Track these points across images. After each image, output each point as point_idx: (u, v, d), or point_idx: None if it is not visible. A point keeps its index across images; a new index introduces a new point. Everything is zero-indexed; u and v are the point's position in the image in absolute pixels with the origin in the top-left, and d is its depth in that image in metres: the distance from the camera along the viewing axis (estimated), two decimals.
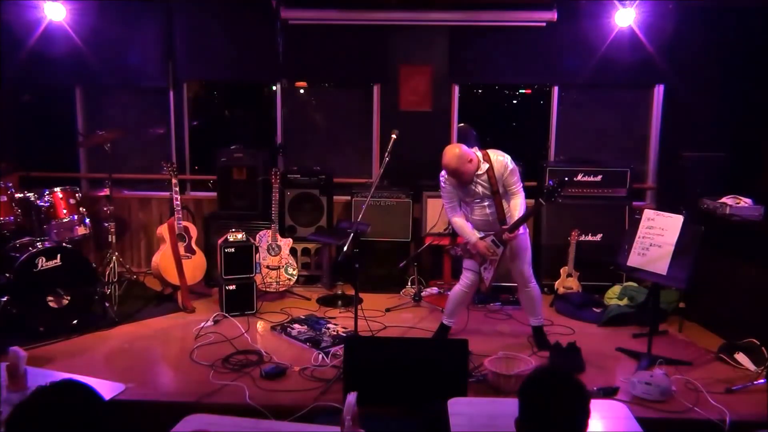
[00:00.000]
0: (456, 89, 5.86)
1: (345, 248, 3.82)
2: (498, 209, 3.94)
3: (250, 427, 2.44)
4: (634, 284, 4.94)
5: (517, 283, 4.19)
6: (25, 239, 4.45)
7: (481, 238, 3.97)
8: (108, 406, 1.55)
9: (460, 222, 4.05)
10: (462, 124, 5.87)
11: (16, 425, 1.43)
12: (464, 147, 3.85)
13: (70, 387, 1.52)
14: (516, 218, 3.90)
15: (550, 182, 3.85)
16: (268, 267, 5.14)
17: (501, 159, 3.91)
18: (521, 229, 3.98)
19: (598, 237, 5.39)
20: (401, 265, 5.01)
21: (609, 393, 3.46)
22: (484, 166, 3.89)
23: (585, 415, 1.70)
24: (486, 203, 3.96)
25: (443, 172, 3.96)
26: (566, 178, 4.00)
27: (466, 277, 4.14)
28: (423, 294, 5.24)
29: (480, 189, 3.92)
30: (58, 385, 1.51)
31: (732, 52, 5.46)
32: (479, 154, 3.90)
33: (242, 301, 4.79)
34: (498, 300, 5.10)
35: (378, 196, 5.32)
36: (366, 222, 4.50)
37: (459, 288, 4.19)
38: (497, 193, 3.91)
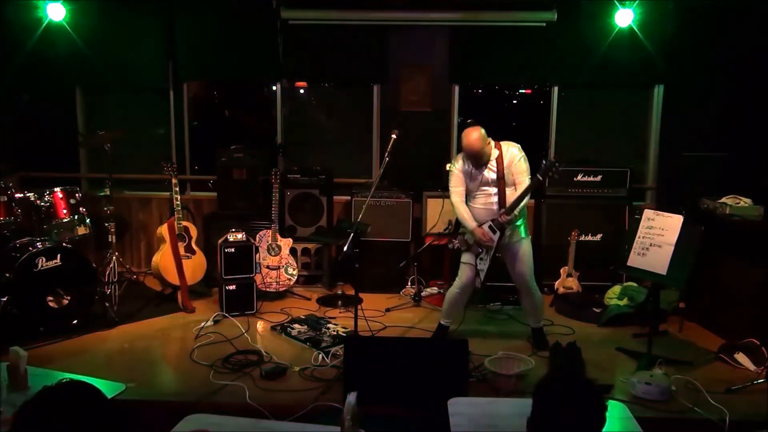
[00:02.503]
0: (456, 89, 5.86)
1: (345, 248, 3.82)
2: (501, 196, 3.97)
3: (250, 427, 2.43)
4: (634, 284, 4.94)
5: (520, 290, 4.19)
6: (25, 239, 4.44)
7: (479, 226, 4.01)
8: (115, 407, 1.54)
9: (464, 208, 4.07)
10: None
11: (23, 425, 1.42)
12: (482, 130, 3.89)
13: (77, 386, 1.52)
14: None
15: (546, 160, 3.85)
16: (268, 267, 5.14)
17: (513, 150, 3.98)
18: (524, 234, 4.04)
19: (598, 237, 5.39)
20: (401, 265, 5.01)
21: (603, 391, 3.45)
22: (495, 152, 3.95)
23: (600, 423, 1.69)
24: (493, 191, 3.99)
25: (459, 160, 4.04)
26: (563, 156, 4.00)
27: (464, 273, 4.15)
28: (423, 294, 5.24)
29: (490, 175, 3.97)
30: (65, 384, 1.51)
31: (732, 52, 5.46)
32: (485, 133, 3.95)
33: (242, 301, 4.79)
34: (498, 300, 5.10)
35: (378, 196, 5.32)
36: (366, 222, 4.50)
37: (453, 290, 4.21)
38: (502, 179, 3.95)
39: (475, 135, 3.87)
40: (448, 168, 4.08)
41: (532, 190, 3.87)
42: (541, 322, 4.27)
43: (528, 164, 3.99)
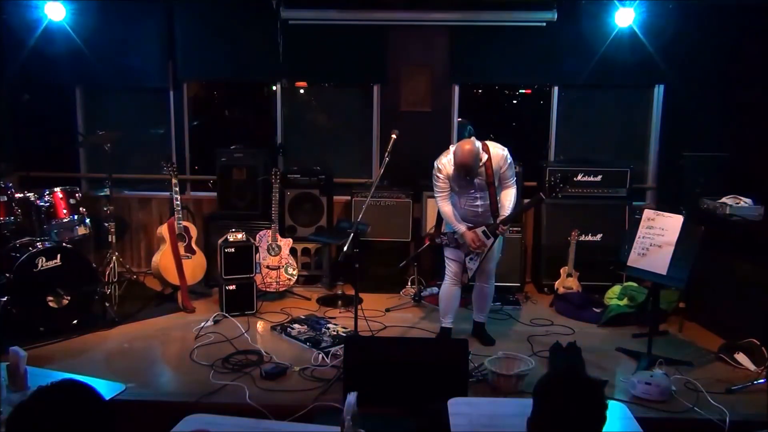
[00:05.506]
0: (456, 89, 5.86)
1: (345, 248, 3.82)
2: (492, 200, 3.97)
3: (250, 427, 2.43)
4: (634, 284, 4.93)
5: (479, 279, 4.21)
6: (25, 239, 4.44)
7: (469, 229, 4.01)
8: (109, 406, 1.54)
9: (451, 210, 4.05)
10: (460, 119, 5.89)
11: (17, 425, 1.42)
12: (475, 142, 3.86)
13: (71, 386, 1.52)
14: (508, 210, 3.96)
15: (553, 177, 3.88)
16: (268, 267, 5.13)
17: (500, 152, 3.95)
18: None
19: (598, 237, 5.39)
20: (401, 265, 5.00)
21: (601, 385, 3.45)
22: (484, 157, 3.92)
23: (600, 422, 1.69)
24: (479, 195, 3.99)
25: (443, 161, 3.97)
26: (568, 175, 4.02)
27: (450, 270, 4.17)
28: (423, 294, 5.24)
29: (478, 180, 3.95)
30: (59, 384, 1.51)
31: (732, 52, 5.46)
32: (479, 144, 3.92)
33: (242, 301, 4.79)
34: (498, 300, 5.09)
35: (378, 196, 5.31)
36: (366, 222, 4.50)
37: (446, 285, 4.20)
38: (492, 185, 3.95)
39: (468, 148, 3.80)
40: (435, 170, 4.01)
41: (533, 207, 3.89)
42: (487, 316, 4.35)
43: (513, 169, 4.03)
